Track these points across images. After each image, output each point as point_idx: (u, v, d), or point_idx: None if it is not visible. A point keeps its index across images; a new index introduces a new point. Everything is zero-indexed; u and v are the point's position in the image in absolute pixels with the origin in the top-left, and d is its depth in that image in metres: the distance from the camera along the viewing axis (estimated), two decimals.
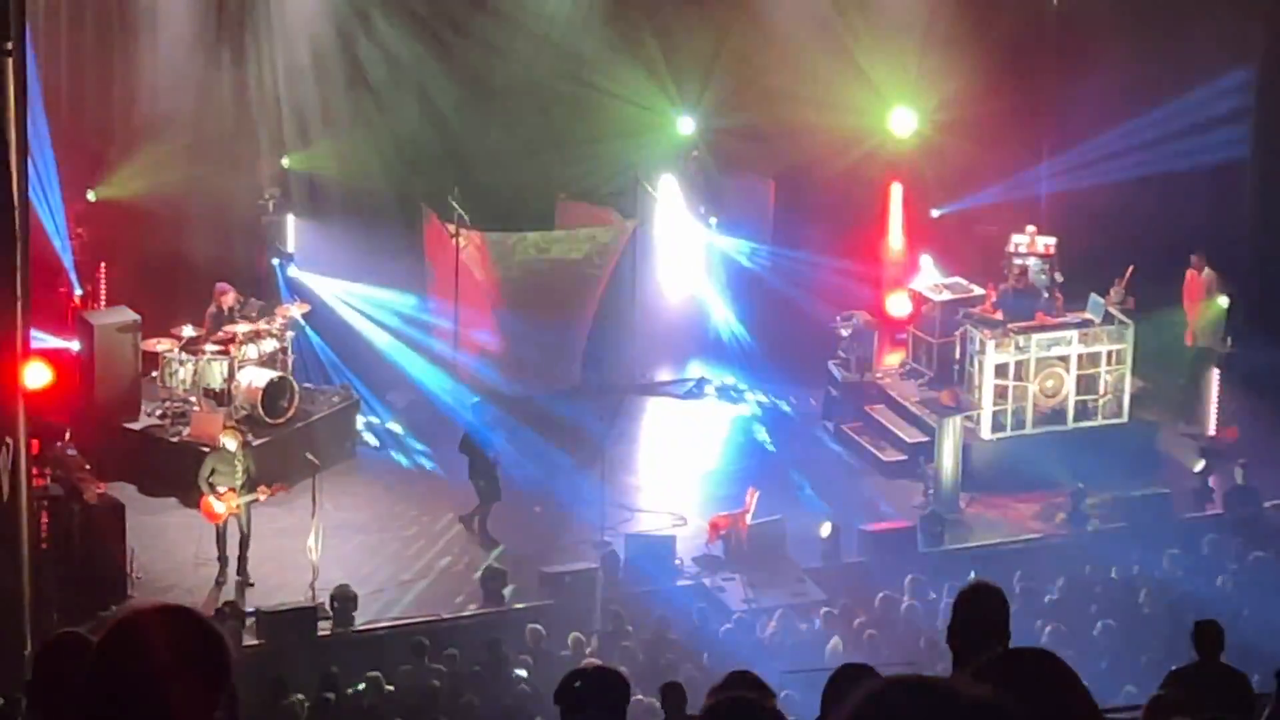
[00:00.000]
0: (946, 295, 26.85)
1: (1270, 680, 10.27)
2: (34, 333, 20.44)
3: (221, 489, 21.88)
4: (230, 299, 25.12)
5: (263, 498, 22.07)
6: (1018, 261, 27.35)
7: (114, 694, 3.75)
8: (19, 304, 19.05)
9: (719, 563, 23.25)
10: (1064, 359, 25.59)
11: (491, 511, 23.57)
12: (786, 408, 27.81)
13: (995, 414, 25.42)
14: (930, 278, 27.72)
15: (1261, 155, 27.26)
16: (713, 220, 29.38)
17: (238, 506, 21.87)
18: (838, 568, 23.03)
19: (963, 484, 24.80)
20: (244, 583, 22.01)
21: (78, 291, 25.62)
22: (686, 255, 29.35)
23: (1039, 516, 24.67)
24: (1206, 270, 27.26)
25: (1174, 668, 12.53)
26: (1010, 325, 25.67)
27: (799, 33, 28.62)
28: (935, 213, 29.32)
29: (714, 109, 28.83)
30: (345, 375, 26.28)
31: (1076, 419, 25.67)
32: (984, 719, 2.87)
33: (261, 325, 25.04)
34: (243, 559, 22.10)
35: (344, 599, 21.35)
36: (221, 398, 24.56)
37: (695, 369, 28.72)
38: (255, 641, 20.51)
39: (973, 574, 21.24)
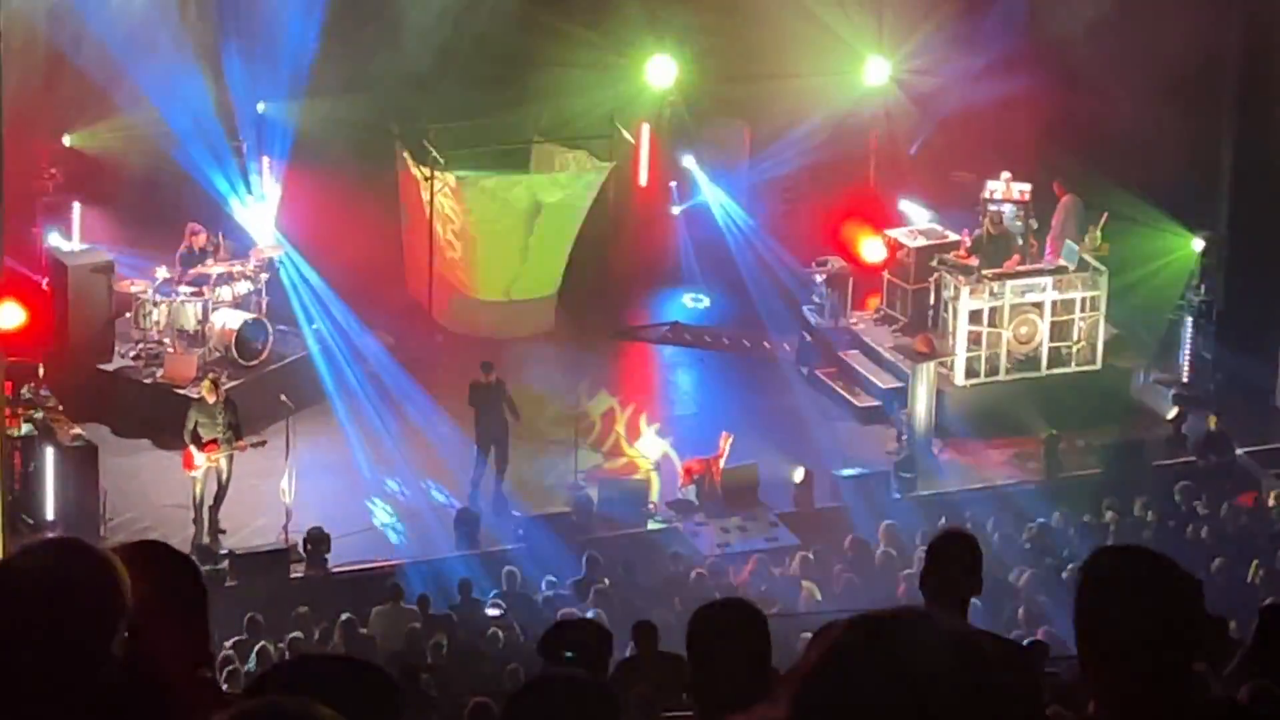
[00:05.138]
0: (921, 241, 26.84)
1: (1246, 628, 10.30)
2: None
3: (205, 440, 21.74)
4: (202, 239, 24.96)
5: (241, 450, 21.94)
6: (993, 208, 27.29)
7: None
8: None
9: (692, 507, 23.30)
10: (1038, 305, 25.59)
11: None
12: (760, 352, 27.78)
13: (969, 360, 25.43)
14: (911, 222, 27.69)
15: (1239, 101, 27.12)
16: (688, 162, 29.28)
17: (216, 459, 21.79)
18: (811, 513, 23.08)
19: (936, 430, 24.85)
20: (216, 529, 21.94)
21: (52, 231, 25.50)
22: (662, 199, 29.28)
23: (1012, 462, 24.75)
24: (1067, 197, 27.15)
25: None
26: (984, 271, 25.67)
27: None
28: (912, 149, 29.25)
29: (691, 54, 28.68)
30: (320, 317, 26.17)
31: (1050, 365, 25.70)
32: (957, 653, 2.79)
33: (236, 267, 24.96)
34: (216, 508, 22.02)
35: (317, 541, 21.37)
36: (195, 339, 24.52)
37: (670, 313, 28.68)
38: (229, 583, 20.50)
39: (944, 520, 21.31)
